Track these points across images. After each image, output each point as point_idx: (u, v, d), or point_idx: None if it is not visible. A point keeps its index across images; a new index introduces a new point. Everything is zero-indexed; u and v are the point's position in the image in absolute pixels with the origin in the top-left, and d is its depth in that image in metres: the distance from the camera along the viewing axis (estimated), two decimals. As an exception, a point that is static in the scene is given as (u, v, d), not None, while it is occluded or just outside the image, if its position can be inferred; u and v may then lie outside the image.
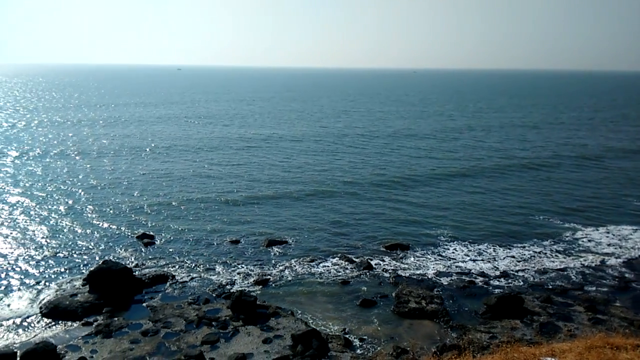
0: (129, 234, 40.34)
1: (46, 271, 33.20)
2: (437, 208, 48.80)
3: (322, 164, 69.05)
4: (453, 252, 37.79)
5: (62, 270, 33.46)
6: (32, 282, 31.56)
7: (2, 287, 30.74)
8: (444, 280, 32.69)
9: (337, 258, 36.19)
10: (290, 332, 25.25)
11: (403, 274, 33.53)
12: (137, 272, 32.37)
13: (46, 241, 38.42)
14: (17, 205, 47.15)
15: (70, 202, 48.45)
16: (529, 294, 30.70)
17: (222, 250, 37.55)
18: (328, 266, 34.78)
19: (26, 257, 35.26)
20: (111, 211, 45.91)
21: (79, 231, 40.77)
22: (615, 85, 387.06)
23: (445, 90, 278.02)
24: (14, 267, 33.68)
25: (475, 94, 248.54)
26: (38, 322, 26.84)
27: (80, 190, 52.50)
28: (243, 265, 34.73)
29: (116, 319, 26.95)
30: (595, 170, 68.18)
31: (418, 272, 34.05)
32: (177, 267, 34.31)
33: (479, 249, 38.55)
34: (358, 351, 24.45)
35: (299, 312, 28.36)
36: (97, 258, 35.20)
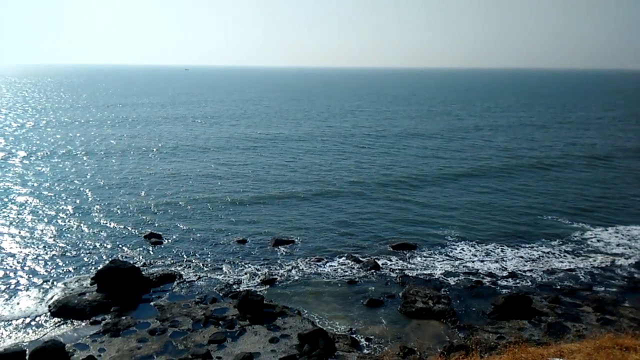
0: (137, 233, 40.55)
1: (54, 270, 33.45)
2: (445, 208, 48.61)
3: (329, 163, 69.02)
4: (460, 252, 37.64)
5: (71, 269, 33.69)
6: (41, 281, 31.81)
7: (12, 286, 31.01)
8: (452, 280, 32.56)
9: (343, 258, 36.16)
10: (297, 332, 25.27)
11: (410, 274, 33.44)
12: (144, 272, 32.50)
13: (54, 240, 38.70)
14: (26, 204, 47.53)
15: (78, 201, 48.78)
16: (537, 294, 30.51)
17: (229, 249, 37.64)
18: (335, 266, 34.76)
19: (35, 257, 35.54)
20: (119, 211, 46.16)
21: (87, 230, 41.03)
22: (624, 83, 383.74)
23: (454, 90, 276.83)
24: (23, 266, 33.96)
25: (482, 93, 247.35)
26: (47, 321, 27.04)
27: (87, 190, 52.82)
28: (250, 265, 34.80)
29: (124, 317, 27.09)
30: (604, 169, 67.59)
31: (425, 272, 33.95)
32: (184, 266, 34.45)
33: (487, 249, 38.37)
34: (365, 351, 24.41)
35: (306, 311, 28.37)
36: (105, 257, 35.42)
